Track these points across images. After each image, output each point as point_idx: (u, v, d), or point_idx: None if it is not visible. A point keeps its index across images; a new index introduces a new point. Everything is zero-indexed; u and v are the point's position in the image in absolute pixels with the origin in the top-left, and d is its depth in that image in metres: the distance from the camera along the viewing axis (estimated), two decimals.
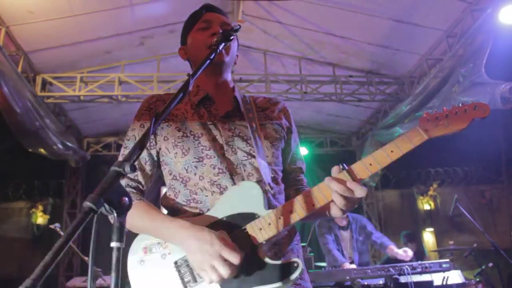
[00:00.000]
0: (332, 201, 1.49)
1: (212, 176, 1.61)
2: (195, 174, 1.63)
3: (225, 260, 1.41)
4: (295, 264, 1.48)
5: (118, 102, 7.50)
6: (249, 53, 7.95)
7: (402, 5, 6.15)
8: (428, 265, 4.72)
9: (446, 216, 10.73)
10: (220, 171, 1.62)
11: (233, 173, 1.63)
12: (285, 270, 1.47)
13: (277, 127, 1.80)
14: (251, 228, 1.50)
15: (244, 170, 1.64)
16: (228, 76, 1.88)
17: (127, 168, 1.00)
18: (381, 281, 4.59)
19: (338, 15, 6.52)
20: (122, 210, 0.98)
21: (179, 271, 1.51)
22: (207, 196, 1.61)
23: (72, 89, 7.28)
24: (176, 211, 1.67)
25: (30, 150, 7.07)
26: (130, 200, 1.00)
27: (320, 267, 6.08)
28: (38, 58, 6.85)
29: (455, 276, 4.84)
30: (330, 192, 1.48)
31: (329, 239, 5.67)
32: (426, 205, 11.65)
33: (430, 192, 11.67)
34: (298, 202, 1.51)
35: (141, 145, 1.11)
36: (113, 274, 0.99)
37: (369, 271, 4.62)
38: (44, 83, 7.26)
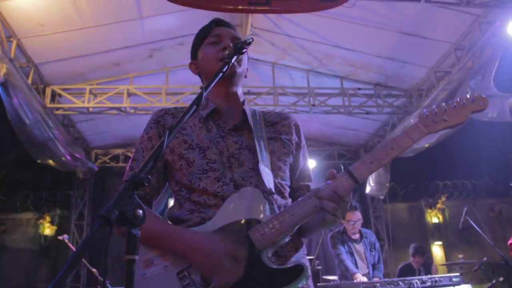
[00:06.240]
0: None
1: (216, 188, 1.60)
2: (198, 185, 1.62)
3: (232, 258, 1.42)
4: (299, 268, 1.43)
5: (127, 114, 7.55)
6: (257, 66, 7.99)
7: (410, 18, 6.17)
8: (438, 279, 4.66)
9: (455, 230, 10.64)
10: (224, 183, 1.61)
11: (238, 184, 1.62)
12: (290, 275, 1.43)
13: (285, 142, 1.78)
14: (254, 234, 1.47)
15: (250, 182, 1.62)
16: (239, 89, 1.86)
17: (142, 180, 1.00)
18: None
19: (346, 28, 6.55)
20: (136, 222, 0.98)
21: (181, 283, 1.48)
22: (210, 207, 1.59)
23: (81, 100, 7.35)
24: (179, 222, 1.66)
25: (38, 161, 7.13)
26: (145, 213, 1.00)
27: (329, 281, 6.01)
28: (48, 70, 6.93)
29: None
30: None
31: (342, 250, 5.61)
32: (434, 218, 11.55)
33: (439, 205, 11.58)
34: (299, 205, 1.48)
35: (154, 157, 1.11)
36: (125, 286, 0.99)
37: (378, 284, 4.58)
38: (54, 95, 7.34)
